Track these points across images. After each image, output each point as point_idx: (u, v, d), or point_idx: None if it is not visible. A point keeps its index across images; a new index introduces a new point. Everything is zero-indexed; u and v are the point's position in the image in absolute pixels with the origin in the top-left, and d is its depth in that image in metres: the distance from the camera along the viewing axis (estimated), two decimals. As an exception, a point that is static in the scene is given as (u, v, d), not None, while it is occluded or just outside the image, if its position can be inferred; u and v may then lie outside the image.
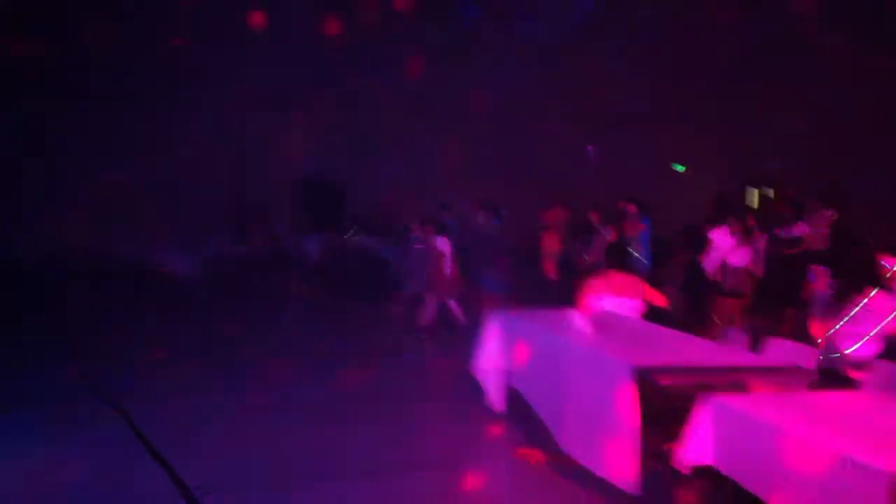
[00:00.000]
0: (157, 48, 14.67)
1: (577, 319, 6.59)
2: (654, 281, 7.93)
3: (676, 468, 4.78)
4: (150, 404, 7.10)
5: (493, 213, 10.74)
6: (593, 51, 15.67)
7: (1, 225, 14.52)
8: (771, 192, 15.35)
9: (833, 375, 5.24)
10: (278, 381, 8.04)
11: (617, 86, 15.54)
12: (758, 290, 9.11)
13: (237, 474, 5.62)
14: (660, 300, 7.23)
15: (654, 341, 6.14)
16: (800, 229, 9.13)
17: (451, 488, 5.59)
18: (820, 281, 6.16)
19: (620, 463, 5.18)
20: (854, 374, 5.17)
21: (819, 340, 5.67)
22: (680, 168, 16.60)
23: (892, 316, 5.42)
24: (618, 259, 7.26)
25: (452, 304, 10.32)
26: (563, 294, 7.68)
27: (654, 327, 6.70)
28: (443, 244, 10.21)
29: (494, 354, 7.07)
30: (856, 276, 5.66)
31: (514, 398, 6.76)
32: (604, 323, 6.50)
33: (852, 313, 5.52)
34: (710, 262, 9.12)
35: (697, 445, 4.71)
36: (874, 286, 5.58)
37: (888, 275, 5.93)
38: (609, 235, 9.85)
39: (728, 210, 10.33)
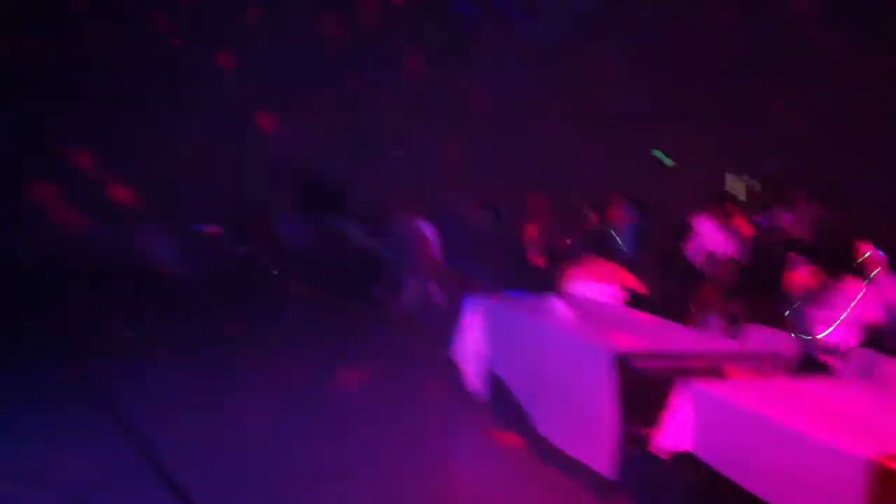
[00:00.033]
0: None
1: (558, 305, 6.63)
2: (635, 268, 7.97)
3: (655, 453, 4.81)
4: (146, 403, 7.12)
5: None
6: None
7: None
8: (756, 184, 15.36)
9: (810, 362, 5.29)
10: (276, 379, 8.06)
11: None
12: (737, 277, 9.15)
13: (236, 476, 5.62)
14: (639, 287, 7.29)
15: (634, 327, 6.19)
16: (781, 218, 9.19)
17: (429, 473, 5.61)
18: (798, 269, 6.21)
19: (599, 448, 5.22)
20: (830, 361, 5.22)
21: (796, 328, 5.72)
22: (663, 157, 16.59)
23: (858, 298, 5.47)
24: (598, 246, 7.33)
25: (433, 286, 10.24)
26: (550, 281, 7.72)
27: (633, 313, 6.77)
28: (426, 228, 10.15)
29: (474, 339, 7.10)
30: (833, 264, 5.72)
31: (495, 383, 6.78)
32: (584, 309, 6.56)
33: (829, 300, 5.56)
34: (691, 249, 9.16)
35: (675, 431, 4.73)
36: (851, 274, 5.65)
37: (863, 261, 6.01)
38: (591, 220, 9.85)
39: (713, 198, 10.36)
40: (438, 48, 15.74)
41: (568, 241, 9.93)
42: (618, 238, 9.42)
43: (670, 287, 9.08)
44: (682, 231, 9.26)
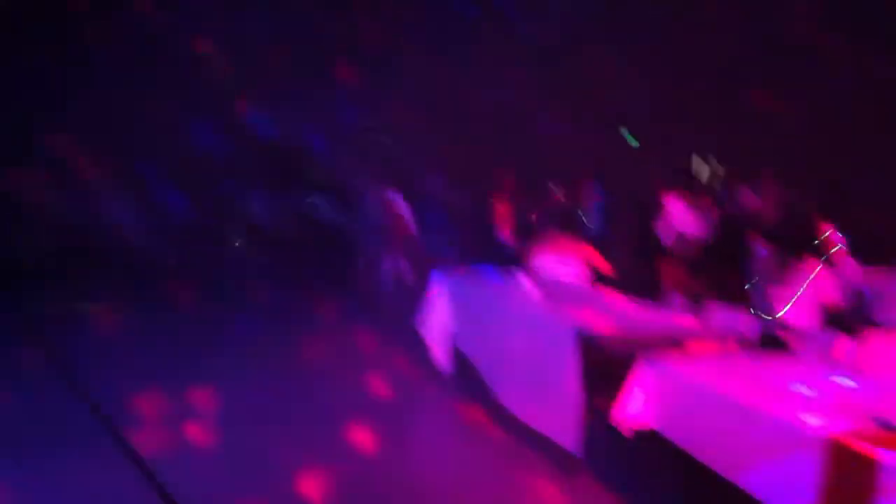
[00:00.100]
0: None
1: (524, 281, 6.65)
2: (602, 246, 7.98)
3: (619, 431, 4.83)
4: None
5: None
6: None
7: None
8: (721, 169, 15.34)
9: (770, 340, 5.29)
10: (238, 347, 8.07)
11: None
12: (701, 256, 9.14)
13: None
14: (604, 266, 7.31)
15: (598, 304, 6.23)
16: (746, 197, 9.23)
17: (390, 447, 5.61)
18: (759, 248, 6.24)
19: (563, 424, 5.24)
20: (789, 339, 5.21)
21: (756, 306, 5.74)
22: (629, 138, 16.56)
23: (812, 276, 5.51)
24: (565, 224, 7.36)
25: (404, 263, 10.23)
26: (518, 258, 7.73)
27: (597, 291, 6.81)
28: (400, 205, 10.15)
29: (440, 313, 7.13)
30: (793, 244, 5.76)
31: (460, 357, 6.79)
32: (549, 286, 6.57)
33: (788, 279, 5.59)
34: (658, 227, 9.19)
35: (638, 408, 4.76)
36: (811, 254, 5.69)
37: (822, 241, 6.04)
38: (557, 198, 9.87)
39: (681, 178, 10.36)
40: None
41: (533, 216, 9.95)
42: (584, 216, 9.47)
43: (634, 265, 9.07)
44: (648, 210, 9.30)
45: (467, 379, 6.62)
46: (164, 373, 7.22)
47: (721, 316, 5.78)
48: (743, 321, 5.56)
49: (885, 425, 3.73)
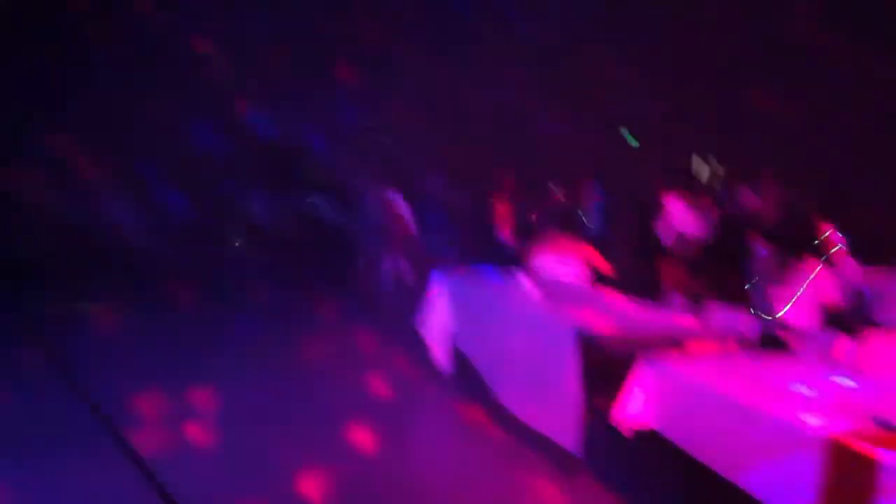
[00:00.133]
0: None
1: (524, 281, 6.65)
2: (602, 246, 7.99)
3: (619, 431, 4.83)
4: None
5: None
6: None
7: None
8: (721, 169, 15.34)
9: (770, 340, 5.28)
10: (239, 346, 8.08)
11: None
12: (701, 256, 9.14)
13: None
14: (604, 266, 7.31)
15: (598, 304, 6.23)
16: (746, 197, 9.22)
17: (390, 446, 5.60)
18: (759, 248, 6.23)
19: (563, 424, 5.24)
20: (791, 340, 5.21)
21: (756, 306, 5.74)
22: (629, 138, 16.55)
23: (812, 276, 5.50)
24: (565, 224, 7.36)
25: (404, 263, 10.24)
26: (518, 258, 7.74)
27: (598, 291, 6.80)
28: (400, 205, 10.15)
29: (440, 313, 7.13)
30: (793, 244, 5.76)
31: (460, 357, 6.79)
32: (549, 286, 6.57)
33: (787, 279, 5.58)
34: (658, 228, 9.19)
35: (638, 408, 4.74)
36: (811, 254, 5.69)
37: (822, 241, 6.04)
38: (557, 198, 9.87)
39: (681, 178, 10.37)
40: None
41: (533, 216, 9.95)
42: (584, 216, 9.48)
43: (634, 265, 9.07)
44: (648, 210, 9.30)
45: (467, 379, 6.62)
46: (164, 373, 7.23)
47: (721, 316, 5.78)
48: (743, 321, 5.57)
49: (885, 425, 3.73)
